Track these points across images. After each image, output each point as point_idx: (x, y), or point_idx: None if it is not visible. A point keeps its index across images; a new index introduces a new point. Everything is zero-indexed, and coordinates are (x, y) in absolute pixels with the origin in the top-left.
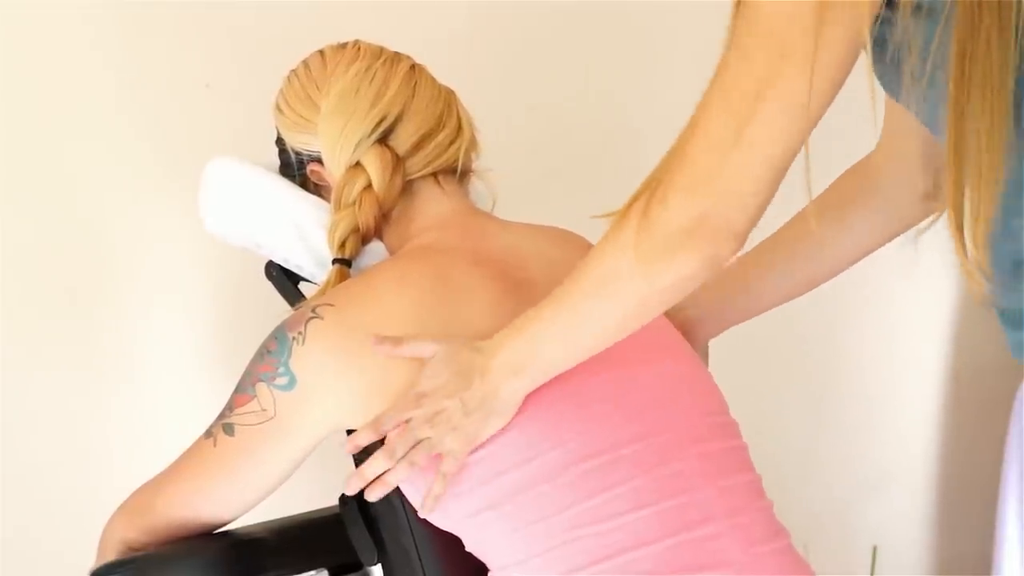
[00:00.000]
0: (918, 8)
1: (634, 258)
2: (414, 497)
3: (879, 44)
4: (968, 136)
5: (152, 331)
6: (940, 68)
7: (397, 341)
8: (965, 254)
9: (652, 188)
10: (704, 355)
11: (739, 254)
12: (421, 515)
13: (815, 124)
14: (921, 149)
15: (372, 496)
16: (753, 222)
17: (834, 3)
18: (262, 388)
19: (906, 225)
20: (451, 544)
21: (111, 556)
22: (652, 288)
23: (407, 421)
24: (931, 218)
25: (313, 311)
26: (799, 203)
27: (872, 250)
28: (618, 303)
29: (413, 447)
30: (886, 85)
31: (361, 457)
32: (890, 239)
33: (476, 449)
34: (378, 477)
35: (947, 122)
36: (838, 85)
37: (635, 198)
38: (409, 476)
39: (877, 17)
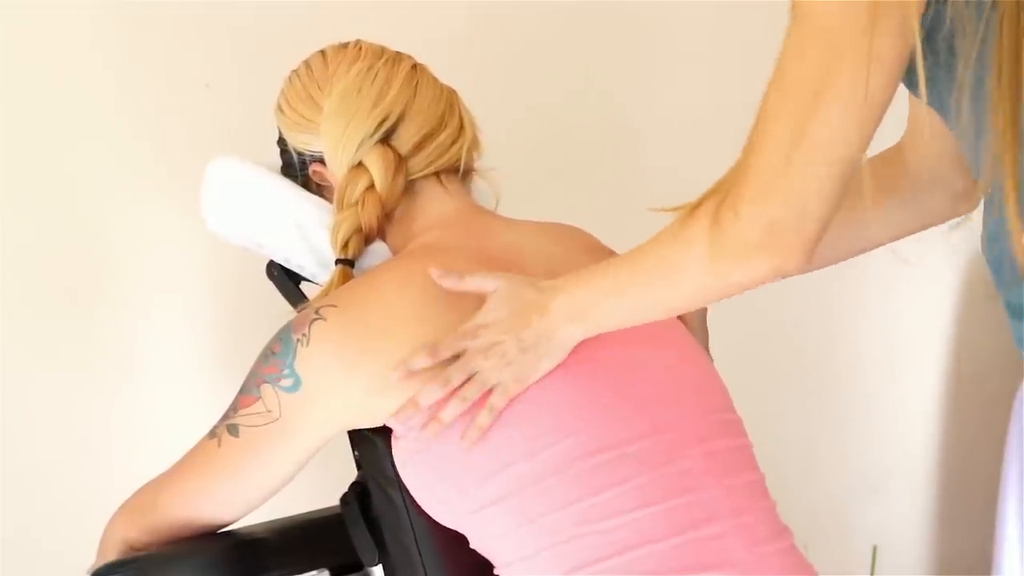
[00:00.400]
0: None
1: (705, 257)
2: (450, 439)
3: (926, 40)
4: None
5: (152, 331)
6: (984, 56)
7: (460, 275)
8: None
9: (723, 192)
10: (703, 336)
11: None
12: (463, 441)
13: (877, 121)
14: (954, 151)
15: (428, 432)
16: (821, 230)
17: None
18: (267, 389)
19: (938, 220)
20: (452, 544)
21: (112, 556)
22: (718, 284)
23: (463, 351)
24: (958, 219)
25: (317, 312)
26: None
27: (900, 237)
28: (678, 291)
29: (466, 382)
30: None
31: (363, 457)
32: (919, 230)
33: (486, 438)
34: (433, 417)
35: (995, 109)
36: (895, 81)
37: (705, 198)
38: (460, 411)
39: (926, 13)
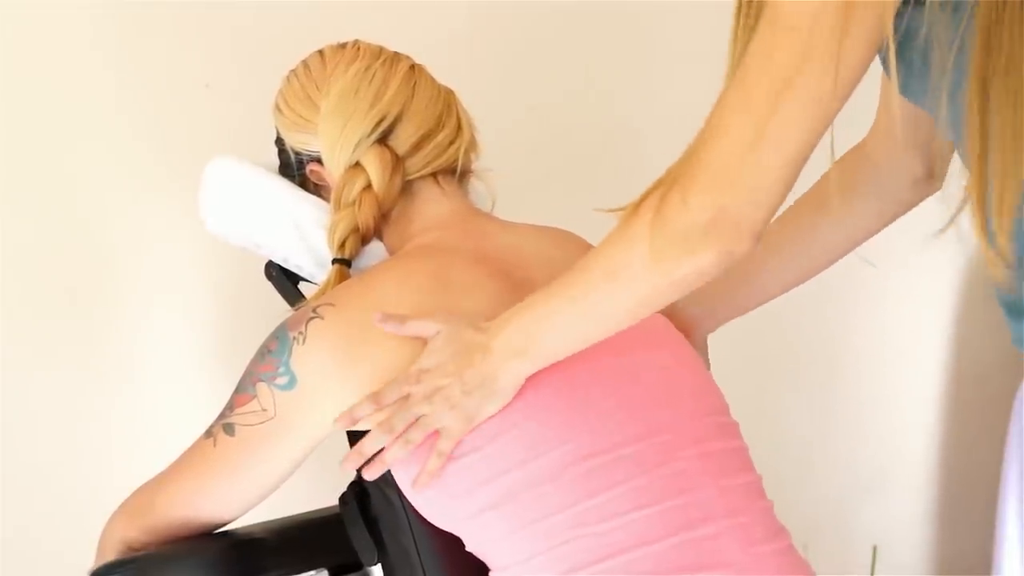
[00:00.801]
0: (944, 3)
1: (647, 252)
2: (403, 479)
3: (899, 40)
4: (992, 127)
5: (152, 331)
6: (962, 62)
7: (402, 319)
8: (988, 243)
9: (668, 184)
10: (704, 352)
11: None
12: (415, 488)
13: (833, 120)
14: (913, 134)
15: (369, 475)
16: (769, 218)
17: (859, 2)
18: (262, 388)
19: (903, 208)
20: (451, 544)
21: (111, 556)
22: (664, 281)
23: (406, 397)
24: (951, 217)
25: (314, 311)
26: (794, 192)
27: (873, 234)
28: (627, 294)
29: (411, 424)
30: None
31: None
32: (889, 223)
33: (480, 447)
34: (376, 455)
35: (969, 113)
36: (857, 81)
37: (647, 194)
38: (404, 455)
39: (898, 18)
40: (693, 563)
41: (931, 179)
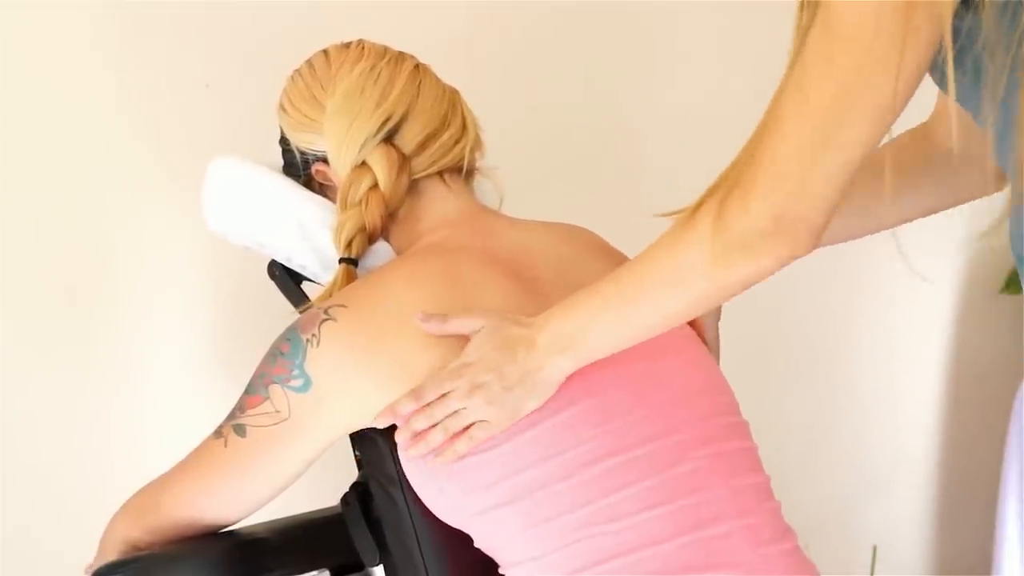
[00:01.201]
0: (1004, 7)
1: (708, 256)
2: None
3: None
4: None
5: (152, 331)
6: (1016, 68)
7: (443, 317)
8: None
9: (727, 189)
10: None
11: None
12: (436, 458)
13: (892, 125)
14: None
15: (415, 452)
16: (829, 219)
17: (918, 5)
18: (276, 390)
19: (969, 197)
20: (454, 544)
21: (113, 555)
22: (722, 284)
23: (447, 393)
24: (994, 223)
25: (326, 313)
26: None
27: (932, 213)
28: (682, 297)
29: (451, 415)
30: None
31: (365, 457)
32: (951, 207)
33: (499, 444)
34: (419, 435)
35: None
36: (917, 86)
37: (705, 199)
38: (441, 439)
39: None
40: (702, 562)
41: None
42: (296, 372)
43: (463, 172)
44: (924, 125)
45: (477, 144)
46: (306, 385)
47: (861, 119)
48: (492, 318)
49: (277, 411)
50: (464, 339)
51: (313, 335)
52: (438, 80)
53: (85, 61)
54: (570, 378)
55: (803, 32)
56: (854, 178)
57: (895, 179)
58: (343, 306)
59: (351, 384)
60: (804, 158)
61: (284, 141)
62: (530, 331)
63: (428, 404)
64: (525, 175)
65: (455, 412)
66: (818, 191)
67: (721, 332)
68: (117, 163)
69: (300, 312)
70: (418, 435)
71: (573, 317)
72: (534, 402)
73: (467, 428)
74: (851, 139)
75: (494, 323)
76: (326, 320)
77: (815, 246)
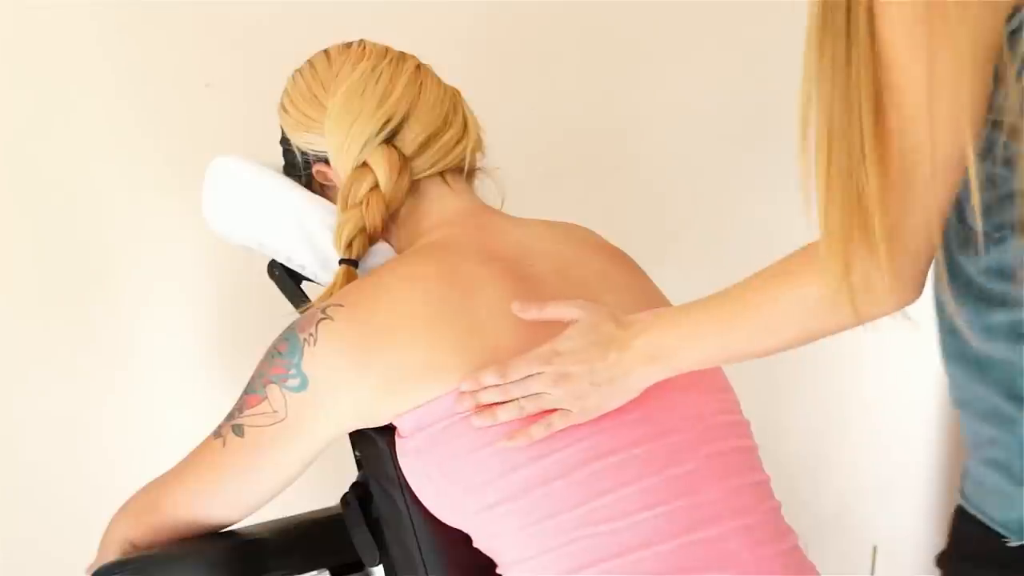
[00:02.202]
0: None
1: (830, 301)
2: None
3: None
4: None
5: (152, 331)
6: None
7: (541, 304)
8: None
9: (857, 235)
10: None
11: None
12: (508, 439)
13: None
14: None
15: (478, 422)
16: (929, 262)
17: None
18: (273, 389)
19: None
20: (454, 544)
21: (113, 555)
22: (833, 328)
23: (534, 375)
24: None
25: (324, 312)
26: None
27: None
28: (788, 333)
29: (529, 397)
30: None
31: (365, 456)
32: None
33: (493, 442)
34: (488, 408)
35: None
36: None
37: (836, 239)
38: (512, 416)
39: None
40: (699, 563)
41: None
42: (293, 371)
43: (464, 172)
44: None
45: (478, 144)
46: (303, 384)
47: (928, 177)
48: (592, 311)
49: (275, 411)
50: (480, 312)
51: (310, 334)
52: (439, 80)
53: (85, 60)
54: None
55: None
56: (945, 217)
57: None
58: (341, 305)
59: (348, 383)
60: (919, 203)
61: (285, 141)
62: (627, 333)
63: (510, 382)
64: (525, 175)
65: (537, 395)
66: (918, 246)
67: None
68: (117, 162)
69: (300, 312)
70: (486, 407)
71: (671, 330)
72: (616, 403)
73: (544, 413)
74: (948, 154)
75: (593, 317)
76: (323, 319)
77: (920, 294)
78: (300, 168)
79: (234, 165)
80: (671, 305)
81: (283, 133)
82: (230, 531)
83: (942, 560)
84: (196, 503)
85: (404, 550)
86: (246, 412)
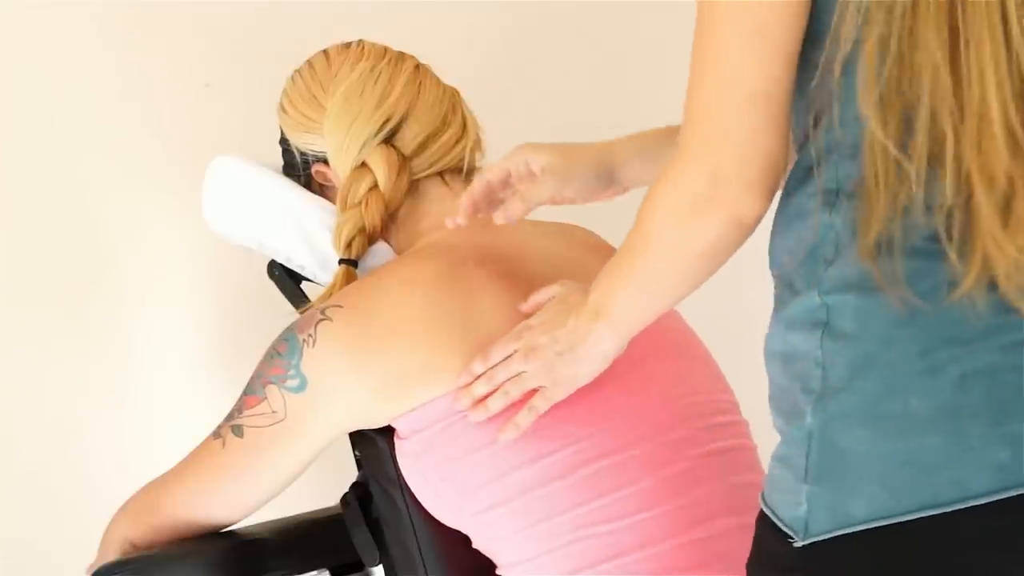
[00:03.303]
0: None
1: (670, 223)
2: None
3: None
4: None
5: (152, 331)
6: None
7: (533, 296)
8: None
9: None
10: None
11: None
12: (500, 435)
13: (783, 54)
14: None
15: (473, 417)
16: (764, 171)
17: None
18: (272, 390)
19: None
20: (454, 544)
21: (113, 555)
22: (686, 250)
23: (511, 354)
24: None
25: (323, 313)
26: None
27: None
28: (664, 265)
29: (512, 379)
30: None
31: (365, 457)
32: None
33: (491, 443)
34: (480, 401)
35: None
36: (796, 6)
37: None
38: (502, 406)
39: None
40: (698, 563)
41: None
42: (292, 372)
43: (463, 172)
44: None
45: (477, 144)
46: (302, 385)
47: (736, 45)
48: (568, 286)
49: (274, 412)
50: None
51: (309, 335)
52: (438, 80)
53: (86, 60)
54: None
55: None
56: (774, 119)
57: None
58: (340, 306)
59: (346, 385)
60: (703, 100)
61: (284, 141)
62: (584, 297)
63: (493, 367)
64: None
65: (517, 376)
66: (731, 135)
67: (722, 330)
68: (117, 162)
69: (300, 312)
70: (479, 401)
71: (606, 283)
72: (585, 371)
73: (527, 397)
74: (732, 69)
75: (564, 289)
76: (322, 320)
77: (763, 203)
78: (299, 168)
79: (234, 165)
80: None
81: (282, 133)
82: (230, 531)
83: (748, 565)
84: (196, 503)
85: (404, 550)
86: (245, 413)
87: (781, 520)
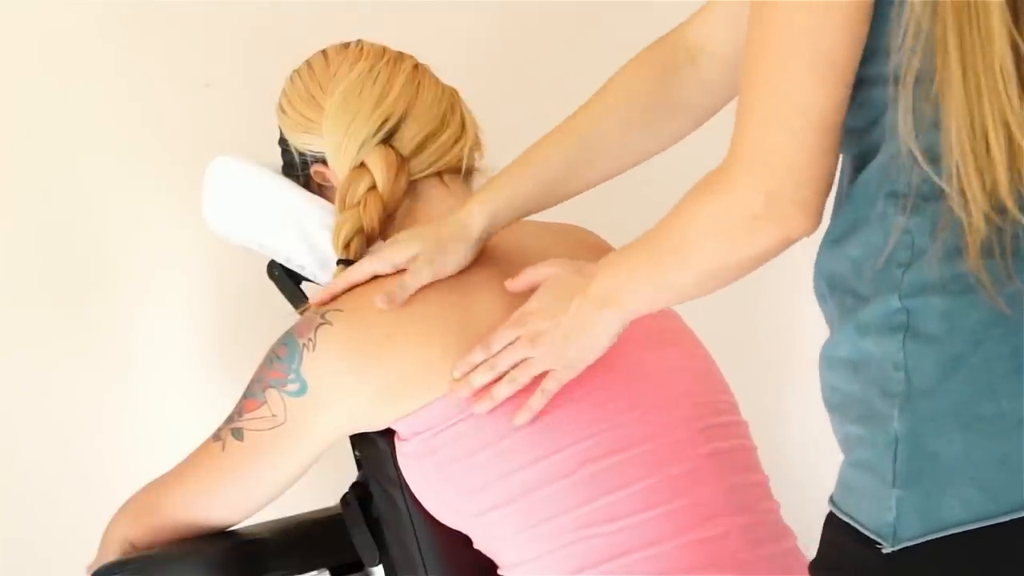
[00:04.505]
0: None
1: (717, 237)
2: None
3: None
4: None
5: (152, 331)
6: None
7: (520, 275)
8: None
9: (726, 165)
10: None
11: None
12: (515, 424)
13: (849, 80)
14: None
15: (478, 408)
16: (820, 193)
17: None
18: (272, 394)
19: (671, 143)
20: (454, 544)
21: (113, 555)
22: (727, 261)
23: (514, 341)
24: None
25: (322, 317)
26: None
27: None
28: (691, 269)
29: (517, 366)
30: None
31: (365, 457)
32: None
33: (492, 444)
34: (484, 390)
35: None
36: (860, 36)
37: (718, 171)
38: (509, 392)
39: None
40: (699, 563)
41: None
42: (292, 376)
43: (462, 173)
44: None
45: (476, 144)
46: (302, 389)
47: (803, 71)
48: (560, 265)
49: (274, 415)
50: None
51: (309, 339)
52: (437, 80)
53: (85, 60)
54: None
55: None
56: (832, 144)
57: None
58: (339, 310)
59: (346, 388)
60: (770, 127)
61: (283, 142)
62: (584, 280)
63: (495, 355)
64: None
65: (523, 362)
66: (790, 161)
67: (722, 332)
68: (117, 162)
69: (299, 314)
70: (481, 391)
71: (616, 270)
72: (594, 353)
73: (537, 382)
74: (796, 98)
75: (559, 271)
76: (322, 324)
77: (814, 222)
78: (298, 169)
79: (234, 165)
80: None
81: (281, 134)
82: (230, 531)
83: (813, 570)
84: (196, 505)
85: (404, 550)
86: (245, 416)
87: (864, 526)
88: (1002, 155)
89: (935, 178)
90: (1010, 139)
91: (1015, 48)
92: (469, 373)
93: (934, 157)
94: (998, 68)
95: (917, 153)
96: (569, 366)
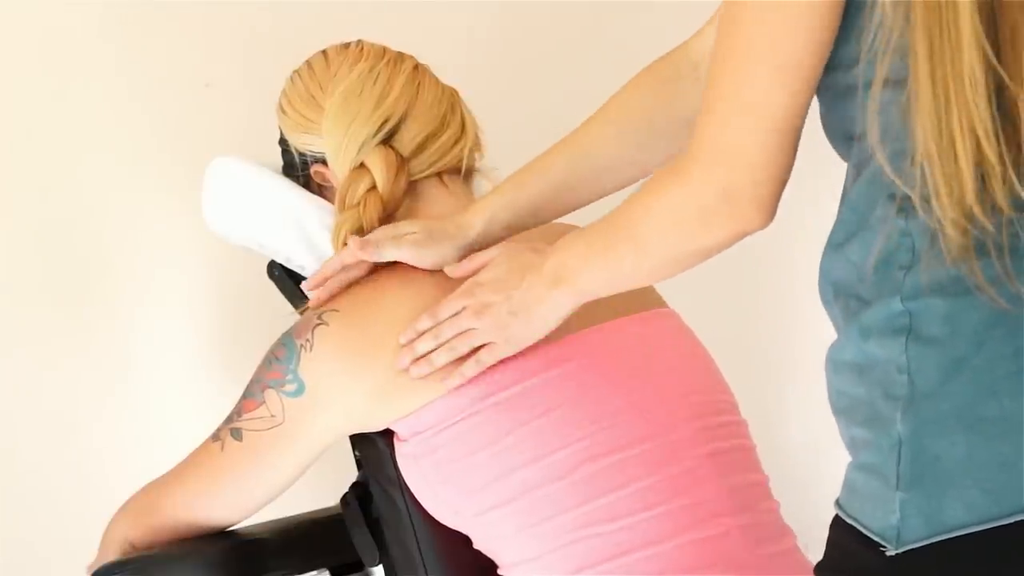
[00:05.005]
0: None
1: (672, 228)
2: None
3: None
4: None
5: (152, 331)
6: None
7: (465, 261)
8: None
9: (684, 158)
10: None
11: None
12: (447, 385)
13: (813, 86)
14: None
15: (416, 372)
16: (775, 191)
17: None
18: (271, 394)
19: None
20: (454, 544)
21: (113, 555)
22: (682, 251)
23: (460, 311)
24: None
25: (320, 317)
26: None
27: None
28: (645, 257)
29: (460, 335)
30: None
31: (365, 457)
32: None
33: (490, 444)
34: (424, 357)
35: None
36: (824, 42)
37: (675, 164)
38: (447, 360)
39: None
40: (699, 563)
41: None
42: (290, 377)
43: (462, 173)
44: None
45: (476, 145)
46: (300, 390)
47: (766, 75)
48: (512, 243)
49: (272, 415)
50: None
51: (307, 340)
52: (437, 81)
53: (86, 60)
54: (563, 376)
55: None
56: (789, 146)
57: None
58: (336, 311)
59: (344, 388)
60: (730, 128)
61: (283, 142)
62: (540, 257)
63: (440, 323)
64: None
65: (465, 332)
66: (747, 159)
67: (722, 331)
68: (117, 162)
69: (299, 314)
70: (421, 357)
71: (571, 252)
72: (538, 331)
73: (475, 351)
74: (759, 98)
75: (513, 247)
76: (319, 325)
77: (768, 218)
78: (298, 169)
79: (234, 165)
80: (666, 305)
81: (281, 134)
82: (230, 531)
83: (819, 572)
84: (195, 505)
85: (404, 550)
86: (244, 416)
87: (868, 529)
88: (968, 163)
89: (900, 184)
90: (978, 147)
91: (984, 57)
92: (414, 340)
93: (901, 164)
94: (967, 76)
95: (882, 159)
96: (510, 341)
